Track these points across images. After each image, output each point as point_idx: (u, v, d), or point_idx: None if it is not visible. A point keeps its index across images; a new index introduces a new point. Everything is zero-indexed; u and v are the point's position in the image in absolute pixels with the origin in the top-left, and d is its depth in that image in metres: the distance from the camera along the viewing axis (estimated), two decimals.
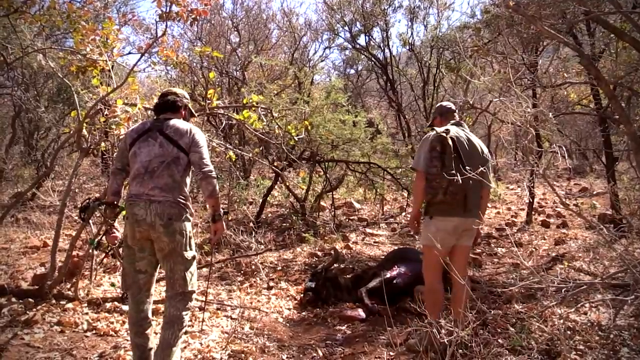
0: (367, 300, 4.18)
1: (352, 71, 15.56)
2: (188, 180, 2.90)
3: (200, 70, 10.92)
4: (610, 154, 6.54)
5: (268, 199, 8.28)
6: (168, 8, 4.05)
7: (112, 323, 3.72)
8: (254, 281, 5.09)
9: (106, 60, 4.31)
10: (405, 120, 11.08)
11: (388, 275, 4.35)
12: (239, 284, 5.03)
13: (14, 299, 3.99)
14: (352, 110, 7.70)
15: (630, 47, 4.73)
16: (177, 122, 2.89)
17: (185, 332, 2.89)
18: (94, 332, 3.58)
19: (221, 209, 2.87)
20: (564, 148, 3.35)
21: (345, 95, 7.88)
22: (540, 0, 4.39)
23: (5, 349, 3.18)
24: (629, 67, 4.92)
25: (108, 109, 4.22)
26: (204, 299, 3.83)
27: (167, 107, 2.99)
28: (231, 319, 4.00)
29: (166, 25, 4.20)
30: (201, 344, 3.42)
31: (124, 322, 3.70)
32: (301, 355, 3.41)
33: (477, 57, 7.66)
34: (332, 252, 5.09)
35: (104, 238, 3.09)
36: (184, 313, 2.78)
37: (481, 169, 3.03)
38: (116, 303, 4.07)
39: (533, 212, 7.88)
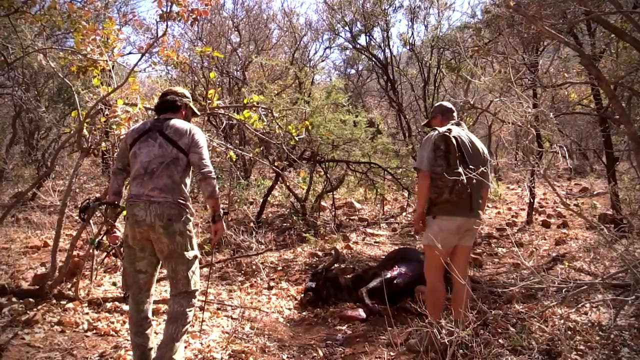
0: (367, 300, 4.18)
1: (353, 71, 15.58)
2: (188, 180, 2.90)
3: (200, 70, 10.93)
4: (611, 154, 6.53)
5: (269, 199, 8.29)
6: (169, 8, 4.05)
7: (112, 323, 3.72)
8: (255, 281, 5.10)
9: (107, 60, 4.31)
10: (405, 120, 11.08)
11: (388, 275, 4.35)
12: (239, 284, 5.04)
13: (14, 299, 3.99)
14: (352, 110, 7.70)
15: (630, 47, 4.73)
16: (177, 122, 2.89)
17: (187, 332, 2.89)
18: (94, 332, 3.58)
19: (221, 210, 2.87)
20: (564, 148, 3.35)
21: (346, 95, 7.88)
22: (540, 0, 4.39)
23: (6, 349, 3.18)
24: (629, 67, 4.92)
25: (108, 109, 4.22)
26: (204, 298, 3.83)
27: (167, 107, 2.99)
28: (232, 318, 4.00)
29: (167, 25, 4.20)
30: (202, 343, 3.42)
31: (124, 322, 3.70)
32: (302, 355, 3.41)
33: (478, 57, 7.67)
34: (333, 252, 5.09)
35: (104, 238, 3.10)
36: (187, 310, 2.79)
37: (482, 168, 3.03)
38: (117, 303, 4.08)
39: (534, 212, 7.87)
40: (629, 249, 3.50)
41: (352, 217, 8.61)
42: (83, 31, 4.32)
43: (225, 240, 6.04)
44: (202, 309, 3.83)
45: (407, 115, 11.25)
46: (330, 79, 13.96)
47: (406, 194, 8.74)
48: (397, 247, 6.11)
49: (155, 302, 3.38)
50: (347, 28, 11.45)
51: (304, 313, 4.27)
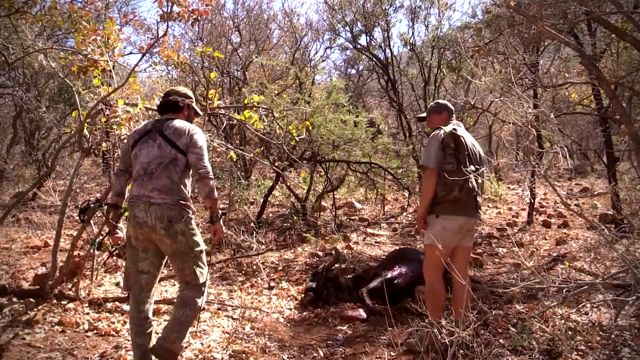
0: (368, 300, 4.18)
1: (353, 71, 15.56)
2: (188, 181, 2.89)
3: (201, 70, 10.93)
4: (612, 154, 6.53)
5: (269, 199, 8.29)
6: (169, 8, 4.05)
7: (113, 323, 3.72)
8: (255, 281, 5.10)
9: (107, 61, 4.31)
10: (406, 121, 11.06)
11: (389, 275, 4.35)
12: (240, 284, 5.04)
13: (15, 299, 3.99)
14: (353, 111, 7.69)
15: (631, 47, 4.73)
16: (177, 123, 2.88)
17: (195, 319, 2.89)
18: (95, 332, 3.58)
19: (219, 210, 2.85)
20: (565, 148, 3.35)
21: (346, 95, 7.88)
22: (541, 1, 4.39)
23: (7, 349, 3.18)
24: (630, 67, 4.93)
25: (109, 109, 4.22)
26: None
27: (169, 107, 2.99)
28: (232, 319, 4.00)
29: (167, 26, 4.20)
30: (202, 343, 3.42)
31: (124, 322, 3.71)
32: (302, 356, 3.41)
33: (478, 57, 7.67)
34: (333, 252, 5.09)
35: (107, 238, 3.10)
36: (197, 298, 2.82)
37: (483, 168, 3.04)
38: (117, 303, 4.08)
39: (534, 212, 7.87)
40: (629, 249, 3.50)
41: (352, 217, 8.61)
42: (84, 31, 4.33)
43: (226, 241, 6.04)
44: (202, 309, 3.82)
45: (408, 116, 11.23)
46: (331, 79, 13.97)
47: (407, 194, 8.74)
48: (397, 247, 6.11)
49: (155, 302, 3.38)
50: (347, 28, 11.43)
51: (304, 313, 4.27)
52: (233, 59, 11.51)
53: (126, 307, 3.94)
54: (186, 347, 3.29)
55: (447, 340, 2.61)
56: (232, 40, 11.68)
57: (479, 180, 3.17)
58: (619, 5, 3.68)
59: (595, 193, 10.14)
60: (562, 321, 3.44)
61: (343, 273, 4.86)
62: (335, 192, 8.78)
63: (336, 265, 4.81)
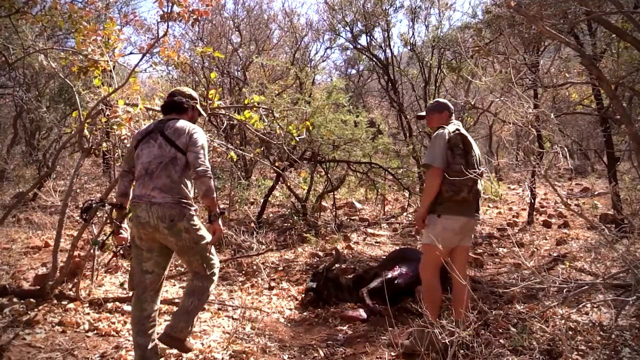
0: (368, 300, 4.18)
1: (354, 71, 15.56)
2: (189, 179, 2.90)
3: (201, 70, 10.94)
4: (612, 154, 6.53)
5: (269, 199, 8.29)
6: (169, 8, 4.05)
7: (113, 323, 3.72)
8: (255, 281, 5.10)
9: (107, 61, 4.32)
10: (406, 121, 11.06)
11: (389, 275, 4.35)
12: (240, 284, 5.04)
13: (15, 299, 3.99)
14: (353, 111, 7.69)
15: (631, 47, 4.73)
16: (178, 123, 2.89)
17: (203, 308, 2.92)
18: (95, 332, 3.58)
19: (217, 210, 2.80)
20: (565, 148, 3.35)
21: (347, 95, 7.88)
22: (541, 1, 4.39)
23: (7, 349, 3.18)
24: (630, 67, 4.93)
25: (109, 110, 4.22)
26: None
27: (172, 108, 3.01)
28: (232, 319, 4.00)
29: (167, 26, 4.20)
30: (202, 344, 3.42)
31: (125, 322, 3.71)
32: (302, 356, 3.41)
33: (479, 57, 7.67)
34: (334, 252, 5.09)
35: (110, 239, 3.10)
36: (205, 287, 2.87)
37: (482, 169, 3.04)
38: (118, 303, 4.08)
39: (534, 212, 7.87)
40: (630, 249, 3.50)
41: (352, 217, 8.61)
42: (84, 31, 4.33)
43: (226, 241, 6.04)
44: (202, 309, 3.83)
45: (408, 116, 11.23)
46: (331, 79, 13.96)
47: (407, 194, 8.73)
48: (397, 247, 6.11)
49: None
50: (347, 28, 11.43)
51: (304, 313, 4.27)
52: (233, 59, 11.51)
53: (127, 307, 3.94)
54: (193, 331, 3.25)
55: (447, 340, 2.61)
56: (232, 40, 11.69)
57: (481, 182, 3.19)
58: (619, 5, 3.68)
59: (596, 193, 10.14)
60: (563, 321, 3.44)
61: (343, 273, 4.86)
62: (335, 192, 8.78)
63: (336, 265, 4.81)
